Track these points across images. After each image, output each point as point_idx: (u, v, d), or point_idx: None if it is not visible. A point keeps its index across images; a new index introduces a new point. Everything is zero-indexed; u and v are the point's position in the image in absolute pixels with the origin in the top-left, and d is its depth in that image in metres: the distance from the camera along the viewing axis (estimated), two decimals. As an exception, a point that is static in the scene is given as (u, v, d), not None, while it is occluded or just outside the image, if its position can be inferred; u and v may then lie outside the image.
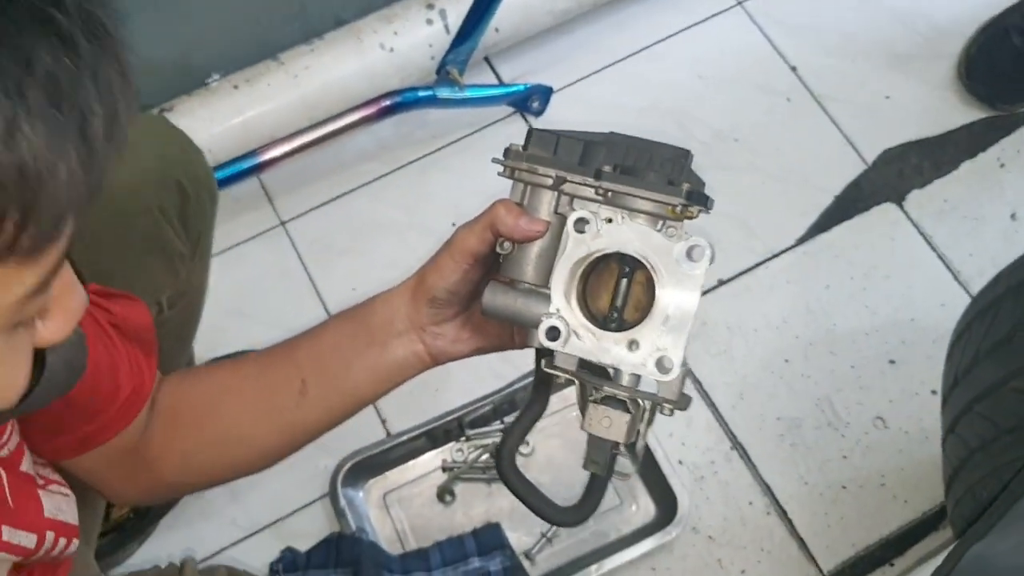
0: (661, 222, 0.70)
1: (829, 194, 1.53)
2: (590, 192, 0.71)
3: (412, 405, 1.37)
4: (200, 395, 0.87)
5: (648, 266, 0.70)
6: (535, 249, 0.73)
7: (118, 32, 0.48)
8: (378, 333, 0.80)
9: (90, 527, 1.01)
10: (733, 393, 1.38)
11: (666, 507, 1.27)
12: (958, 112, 1.59)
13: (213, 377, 0.88)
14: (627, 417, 0.69)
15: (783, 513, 1.30)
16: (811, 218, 1.51)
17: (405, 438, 1.32)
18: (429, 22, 1.53)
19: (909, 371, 1.38)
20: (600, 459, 0.71)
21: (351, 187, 1.61)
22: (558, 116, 1.60)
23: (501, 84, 1.64)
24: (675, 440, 1.34)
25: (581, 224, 0.71)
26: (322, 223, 1.59)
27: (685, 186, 0.69)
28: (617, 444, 0.69)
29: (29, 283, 0.47)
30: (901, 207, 1.52)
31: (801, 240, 1.49)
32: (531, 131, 0.75)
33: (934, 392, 1.31)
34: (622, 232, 0.71)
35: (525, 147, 0.74)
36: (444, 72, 1.52)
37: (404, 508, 1.32)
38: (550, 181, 0.73)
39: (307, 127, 1.47)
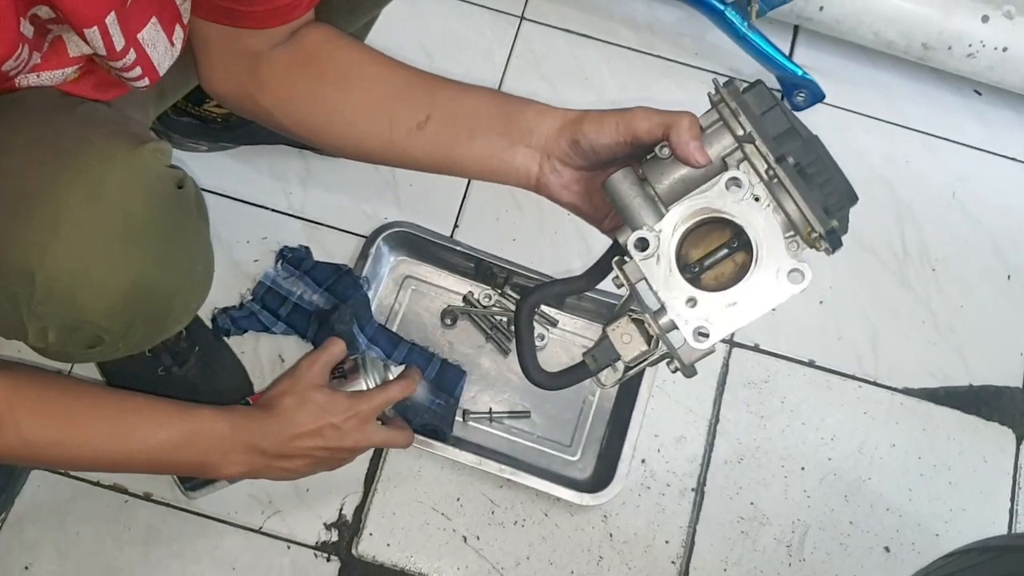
0: (792, 233, 0.79)
1: (968, 378, 1.55)
2: (762, 166, 0.80)
3: (487, 232, 1.50)
4: (341, 61, 0.97)
5: (754, 256, 0.78)
6: (683, 171, 0.82)
7: None
8: (514, 131, 0.90)
9: (166, 91, 1.14)
10: (735, 453, 1.45)
11: (598, 481, 1.37)
12: None
13: (361, 57, 0.98)
14: (644, 347, 0.81)
15: (684, 573, 1.38)
16: (934, 383, 1.54)
17: (459, 249, 1.44)
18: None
19: (894, 569, 1.42)
20: (600, 360, 0.83)
21: (602, 38, 1.72)
22: (805, 120, 1.64)
23: (787, 56, 1.68)
24: (656, 442, 1.43)
25: (733, 184, 0.80)
26: (549, 44, 1.70)
27: (834, 222, 0.77)
28: (619, 359, 0.82)
29: None
30: (1018, 443, 1.53)
31: (907, 392, 1.53)
32: (758, 83, 0.83)
33: (895, 602, 1.37)
34: (757, 215, 0.79)
35: (744, 91, 0.82)
36: (747, 0, 1.58)
37: (411, 299, 1.45)
38: (741, 133, 0.81)
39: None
